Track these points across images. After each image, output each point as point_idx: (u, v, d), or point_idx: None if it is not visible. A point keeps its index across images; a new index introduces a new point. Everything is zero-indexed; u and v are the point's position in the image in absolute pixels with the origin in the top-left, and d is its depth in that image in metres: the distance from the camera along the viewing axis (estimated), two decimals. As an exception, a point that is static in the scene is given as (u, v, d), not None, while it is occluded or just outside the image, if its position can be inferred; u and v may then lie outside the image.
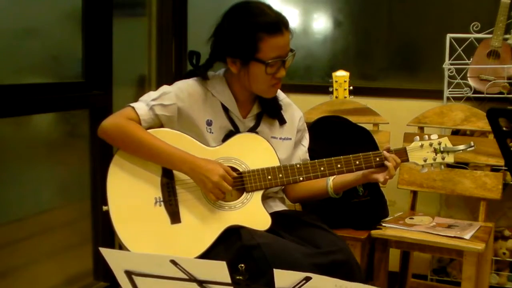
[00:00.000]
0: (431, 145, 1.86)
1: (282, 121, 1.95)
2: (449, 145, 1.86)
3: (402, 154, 1.85)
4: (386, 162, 1.82)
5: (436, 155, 1.86)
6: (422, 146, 1.86)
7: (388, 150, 1.85)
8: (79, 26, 2.56)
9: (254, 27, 1.74)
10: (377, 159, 1.83)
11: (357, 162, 1.82)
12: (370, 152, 1.83)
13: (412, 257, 2.75)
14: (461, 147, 1.85)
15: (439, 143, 1.86)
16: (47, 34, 2.48)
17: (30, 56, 2.41)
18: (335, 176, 1.89)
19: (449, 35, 2.81)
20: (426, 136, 1.88)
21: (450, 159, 1.86)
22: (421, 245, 2.23)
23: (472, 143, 1.84)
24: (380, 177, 1.83)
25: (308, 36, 3.34)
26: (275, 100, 1.93)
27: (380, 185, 2.42)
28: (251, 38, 1.74)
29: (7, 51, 2.30)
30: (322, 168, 1.82)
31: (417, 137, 1.89)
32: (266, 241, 1.65)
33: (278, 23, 1.75)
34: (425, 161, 1.85)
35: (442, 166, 1.90)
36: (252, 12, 1.77)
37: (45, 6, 2.47)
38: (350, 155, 1.82)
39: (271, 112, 1.93)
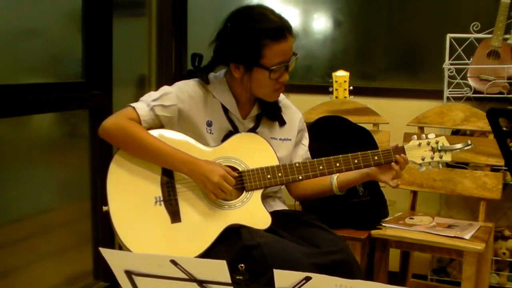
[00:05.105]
0: (428, 144, 1.86)
1: (282, 122, 1.95)
2: (447, 144, 1.86)
3: (400, 153, 1.85)
4: (393, 165, 1.81)
5: (434, 153, 1.85)
6: (420, 145, 1.86)
7: (396, 148, 1.84)
8: (79, 26, 2.56)
9: (257, 33, 1.73)
10: (375, 158, 1.83)
11: (356, 161, 1.82)
12: (369, 151, 1.83)
13: (412, 257, 2.75)
14: (459, 145, 1.85)
15: (437, 142, 1.86)
16: (47, 34, 2.48)
17: (30, 56, 2.40)
18: (339, 174, 1.89)
19: (449, 35, 2.80)
20: (424, 135, 1.88)
21: (447, 157, 1.86)
22: (421, 245, 2.23)
23: (469, 142, 1.84)
24: (390, 181, 1.82)
25: (308, 36, 3.34)
26: (275, 102, 1.93)
27: (380, 185, 2.43)
28: (254, 45, 1.73)
29: (7, 51, 2.29)
30: (321, 167, 1.82)
31: (415, 136, 1.89)
32: (266, 240, 1.65)
33: (282, 29, 1.74)
34: (423, 160, 1.85)
35: (440, 165, 1.91)
36: (255, 18, 1.76)
37: (45, 6, 2.47)
38: (349, 154, 1.82)
39: (270, 113, 1.93)
